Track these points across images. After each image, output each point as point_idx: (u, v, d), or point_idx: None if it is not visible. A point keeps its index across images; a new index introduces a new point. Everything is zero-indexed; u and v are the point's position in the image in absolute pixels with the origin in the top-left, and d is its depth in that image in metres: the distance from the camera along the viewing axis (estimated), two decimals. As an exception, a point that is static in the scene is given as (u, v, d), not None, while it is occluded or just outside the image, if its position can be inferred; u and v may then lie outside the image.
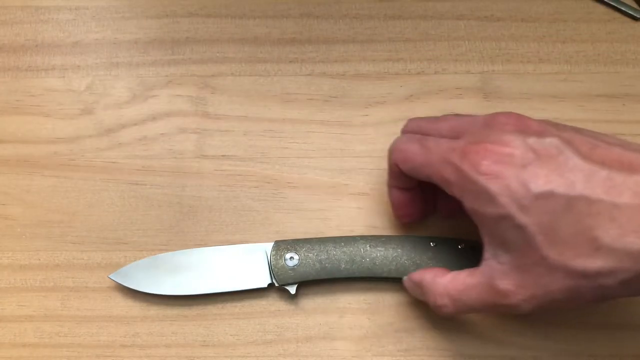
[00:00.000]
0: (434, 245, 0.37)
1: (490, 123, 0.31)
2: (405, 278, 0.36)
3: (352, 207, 0.39)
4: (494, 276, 0.30)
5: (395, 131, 0.41)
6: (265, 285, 0.36)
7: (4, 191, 0.40)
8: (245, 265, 0.37)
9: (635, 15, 0.44)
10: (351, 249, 0.36)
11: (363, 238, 0.37)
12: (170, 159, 0.41)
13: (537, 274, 0.28)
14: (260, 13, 0.44)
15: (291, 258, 0.36)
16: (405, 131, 0.36)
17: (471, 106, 0.41)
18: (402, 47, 0.43)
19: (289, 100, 0.42)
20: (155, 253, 0.37)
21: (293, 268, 0.36)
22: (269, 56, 0.43)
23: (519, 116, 0.30)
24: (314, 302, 0.37)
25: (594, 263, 0.27)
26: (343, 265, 0.36)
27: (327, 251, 0.36)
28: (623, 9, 0.44)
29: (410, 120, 0.36)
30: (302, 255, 0.36)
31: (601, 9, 0.44)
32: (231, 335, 0.37)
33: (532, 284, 0.29)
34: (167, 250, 0.38)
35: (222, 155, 0.41)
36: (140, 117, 0.42)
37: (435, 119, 0.34)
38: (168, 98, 0.42)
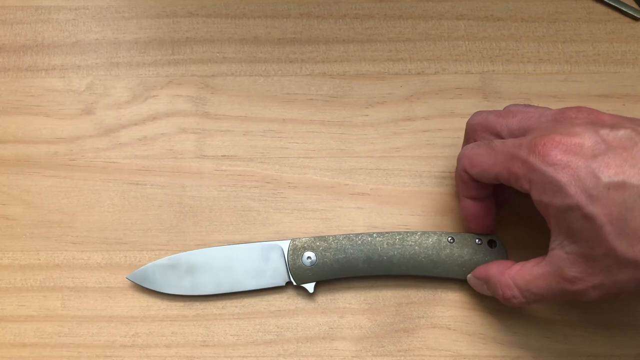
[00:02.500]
0: (452, 242, 0.37)
1: (560, 117, 0.30)
2: (469, 276, 0.36)
3: (352, 207, 0.39)
4: (561, 265, 0.30)
5: (395, 131, 0.41)
6: (283, 284, 0.37)
7: (4, 191, 0.40)
8: (262, 264, 0.37)
9: (635, 15, 0.44)
10: (368, 247, 0.36)
11: (380, 235, 0.37)
12: (170, 159, 0.41)
13: (605, 265, 0.28)
14: (260, 13, 0.44)
15: (308, 257, 0.36)
16: (470, 125, 0.35)
17: (471, 106, 0.41)
18: (402, 47, 0.43)
19: (289, 100, 0.42)
20: (156, 253, 0.37)
21: (311, 267, 0.36)
22: (269, 56, 0.43)
23: (591, 109, 0.30)
24: (314, 302, 0.37)
25: None
26: (360, 264, 0.36)
27: (344, 250, 0.36)
28: (623, 9, 0.44)
29: (477, 113, 0.35)
30: (319, 254, 0.36)
31: (601, 9, 0.44)
32: (231, 335, 0.37)
33: (600, 273, 0.28)
34: (167, 250, 0.38)
35: (222, 155, 0.41)
36: (140, 117, 0.42)
37: (503, 112, 0.34)
38: (168, 98, 0.42)
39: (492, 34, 0.43)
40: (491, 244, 0.37)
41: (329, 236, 0.37)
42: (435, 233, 0.37)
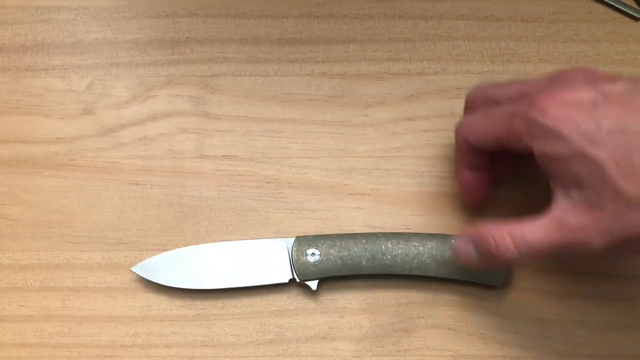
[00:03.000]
0: None
1: (557, 78, 0.31)
2: (455, 241, 0.35)
3: (352, 207, 0.39)
4: (564, 215, 0.29)
5: (395, 131, 0.41)
6: (287, 281, 0.37)
7: (4, 191, 0.40)
8: (266, 260, 0.37)
9: (635, 15, 0.44)
10: (372, 245, 0.36)
11: (385, 235, 0.37)
12: (170, 159, 0.41)
13: (612, 210, 0.28)
14: (260, 13, 0.44)
15: (312, 254, 0.36)
16: (470, 96, 0.36)
17: (471, 106, 0.41)
18: (402, 47, 0.43)
19: (289, 100, 0.42)
20: (156, 253, 0.37)
21: (314, 264, 0.36)
22: (269, 56, 0.43)
23: (588, 69, 0.31)
24: (314, 302, 0.37)
25: None
26: (364, 262, 0.36)
27: (348, 248, 0.36)
28: (623, 9, 0.44)
29: (475, 87, 0.36)
30: (324, 251, 0.36)
31: (601, 9, 0.44)
32: (231, 335, 0.37)
33: (607, 218, 0.28)
34: (167, 250, 0.38)
35: (222, 155, 0.41)
36: (140, 117, 0.42)
37: (502, 83, 0.35)
38: (168, 98, 0.42)
39: (492, 34, 0.43)
40: None
41: (333, 234, 0.37)
42: (439, 235, 0.37)
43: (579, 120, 0.28)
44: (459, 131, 0.35)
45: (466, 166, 0.36)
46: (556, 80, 0.31)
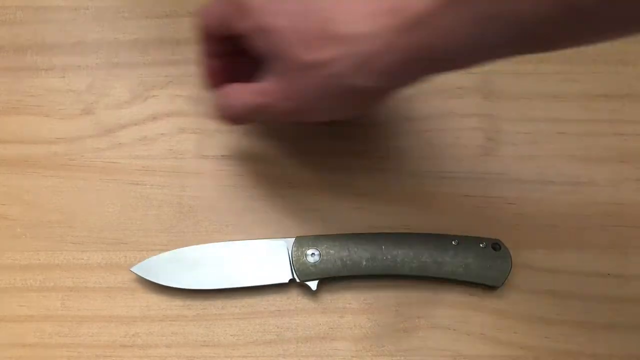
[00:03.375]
0: (456, 244, 0.37)
1: None
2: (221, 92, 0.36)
3: (352, 207, 0.39)
4: (262, 83, 0.33)
5: (395, 131, 0.41)
6: (287, 281, 0.37)
7: (4, 191, 0.40)
8: (266, 260, 0.37)
9: (635, 15, 0.44)
10: (372, 246, 0.36)
11: (384, 235, 0.37)
12: (170, 159, 0.41)
13: (290, 76, 0.31)
14: (260, 13, 0.44)
15: (312, 254, 0.36)
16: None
17: (471, 106, 0.41)
18: (402, 47, 0.43)
19: (289, 100, 0.42)
20: (155, 253, 0.37)
21: (314, 264, 0.36)
22: (269, 56, 0.43)
23: None
24: (314, 302, 0.37)
25: (324, 53, 0.29)
26: (364, 262, 0.36)
27: (348, 248, 0.36)
28: (623, 8, 0.44)
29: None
30: (324, 251, 0.36)
31: (601, 9, 0.44)
32: (231, 336, 0.37)
33: (287, 82, 0.31)
34: (167, 251, 0.38)
35: (222, 155, 0.41)
36: (140, 117, 0.42)
37: None
38: (168, 98, 0.42)
39: (492, 34, 0.43)
40: (495, 246, 0.37)
41: (333, 234, 0.37)
42: (439, 234, 0.37)
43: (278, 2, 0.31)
44: (202, 16, 0.35)
45: (209, 54, 0.37)
46: None
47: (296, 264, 0.36)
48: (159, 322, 0.37)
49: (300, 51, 0.30)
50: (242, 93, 0.34)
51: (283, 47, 0.30)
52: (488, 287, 0.37)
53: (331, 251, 0.36)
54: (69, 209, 0.39)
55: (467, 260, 0.37)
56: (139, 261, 0.37)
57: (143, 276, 0.37)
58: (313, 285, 0.37)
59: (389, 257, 0.36)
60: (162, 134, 0.41)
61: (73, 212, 0.39)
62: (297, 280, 0.37)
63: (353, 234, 0.37)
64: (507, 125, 0.41)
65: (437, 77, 0.42)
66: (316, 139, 0.41)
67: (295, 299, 0.37)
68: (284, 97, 0.32)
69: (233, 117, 0.35)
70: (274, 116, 0.34)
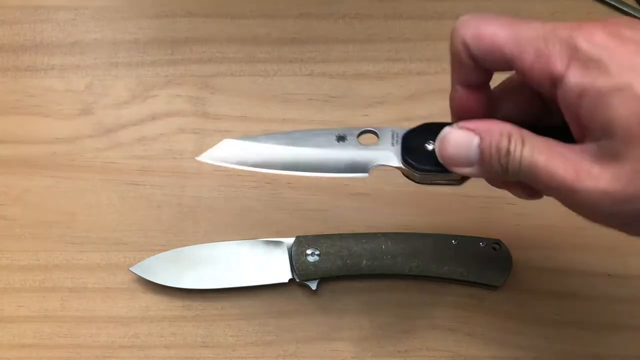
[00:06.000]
0: (456, 244, 0.37)
1: (601, 20, 0.25)
2: (449, 129, 0.27)
3: (352, 207, 0.39)
4: (584, 156, 0.24)
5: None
6: (286, 281, 0.37)
7: (3, 191, 0.40)
8: (266, 260, 0.37)
9: (635, 15, 0.44)
10: (373, 245, 0.36)
11: (385, 235, 0.37)
12: (170, 159, 0.40)
13: (635, 168, 0.23)
14: (260, 13, 0.44)
15: (312, 254, 0.36)
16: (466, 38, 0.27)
17: (471, 106, 0.41)
18: (402, 47, 0.43)
19: (289, 100, 0.42)
20: (155, 254, 0.37)
21: (314, 264, 0.36)
22: (269, 56, 0.43)
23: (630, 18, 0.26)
24: (314, 303, 0.37)
25: None
26: (364, 262, 0.36)
27: (348, 248, 0.36)
28: (623, 8, 0.44)
29: (470, 19, 0.27)
30: (324, 251, 0.36)
31: (601, 8, 0.44)
32: (231, 336, 0.37)
33: (627, 176, 0.23)
34: (166, 251, 0.38)
35: (222, 156, 0.40)
36: (140, 117, 0.41)
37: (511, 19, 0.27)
38: (167, 98, 0.42)
39: (492, 33, 0.43)
40: (495, 246, 0.37)
41: (333, 234, 0.37)
42: (439, 234, 0.37)
43: (629, 52, 0.23)
44: (459, 31, 0.26)
45: (461, 83, 0.28)
46: (599, 20, 0.25)
47: (296, 264, 0.36)
48: (158, 323, 0.37)
49: None
50: (546, 151, 0.25)
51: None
52: (488, 287, 0.37)
53: (331, 251, 0.36)
54: (68, 209, 0.39)
55: (467, 260, 0.36)
56: (138, 262, 0.37)
57: (142, 276, 0.37)
58: (313, 285, 0.36)
59: (389, 257, 0.36)
60: (161, 134, 0.41)
61: (72, 212, 0.39)
62: (297, 280, 0.36)
63: (353, 234, 0.37)
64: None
65: (437, 77, 0.42)
66: (316, 139, 0.41)
67: (295, 299, 0.37)
68: (607, 190, 0.23)
69: (520, 174, 0.25)
70: (583, 209, 0.25)
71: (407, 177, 0.30)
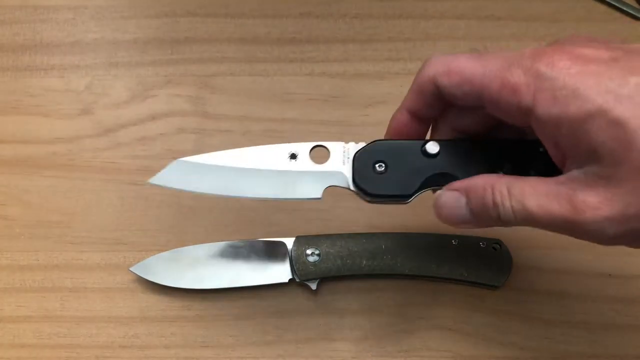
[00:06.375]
0: (456, 244, 0.37)
1: (559, 41, 0.26)
2: (440, 192, 0.28)
3: (352, 207, 0.39)
4: (574, 187, 0.23)
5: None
6: (286, 281, 0.37)
7: (3, 191, 0.40)
8: (266, 260, 0.37)
9: (635, 14, 0.44)
10: (373, 245, 0.36)
11: (385, 235, 0.37)
12: (170, 159, 0.40)
13: (631, 187, 0.22)
14: (259, 13, 0.44)
15: (312, 254, 0.36)
16: (430, 76, 0.28)
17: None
18: (402, 47, 0.43)
19: (289, 100, 0.42)
20: (155, 254, 0.37)
21: (314, 264, 0.36)
22: (269, 56, 0.43)
23: (589, 35, 0.26)
24: (314, 303, 0.37)
25: None
26: (364, 262, 0.36)
27: (348, 247, 0.36)
28: (624, 8, 0.44)
29: (433, 59, 0.28)
30: (324, 251, 0.36)
31: (601, 8, 0.44)
32: (231, 336, 0.37)
33: (623, 198, 0.22)
34: (166, 251, 0.38)
35: (222, 155, 0.40)
36: (140, 117, 0.41)
37: (476, 55, 0.28)
38: (167, 98, 0.42)
39: (493, 33, 0.43)
40: (495, 246, 0.37)
41: (333, 234, 0.37)
42: (439, 234, 0.37)
43: (599, 74, 0.22)
44: (428, 66, 0.27)
45: (411, 110, 0.29)
46: (559, 42, 0.25)
47: (296, 264, 0.36)
48: (158, 323, 0.37)
49: None
50: (533, 192, 0.25)
51: (625, 144, 0.22)
52: (488, 287, 0.37)
53: (331, 251, 0.36)
54: (68, 209, 0.39)
55: (467, 260, 0.36)
56: (138, 261, 0.37)
57: (142, 276, 0.37)
58: (313, 285, 0.36)
59: (389, 257, 0.36)
60: (161, 133, 0.41)
61: (72, 212, 0.39)
62: (297, 280, 0.36)
63: (353, 234, 0.37)
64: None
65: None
66: (316, 138, 0.41)
67: (295, 299, 0.37)
68: (610, 216, 0.23)
69: (513, 221, 0.26)
70: (575, 235, 0.25)
71: (357, 196, 0.30)
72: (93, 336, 0.37)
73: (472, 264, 0.36)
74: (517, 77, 0.24)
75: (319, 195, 0.31)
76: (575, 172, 0.24)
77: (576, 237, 0.25)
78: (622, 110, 0.22)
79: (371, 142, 0.30)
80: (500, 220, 0.26)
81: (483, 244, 0.37)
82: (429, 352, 0.36)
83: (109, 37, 0.44)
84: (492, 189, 0.26)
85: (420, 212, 0.39)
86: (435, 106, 0.28)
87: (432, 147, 0.28)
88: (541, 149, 0.27)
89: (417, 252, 0.36)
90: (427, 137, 0.31)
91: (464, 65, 0.26)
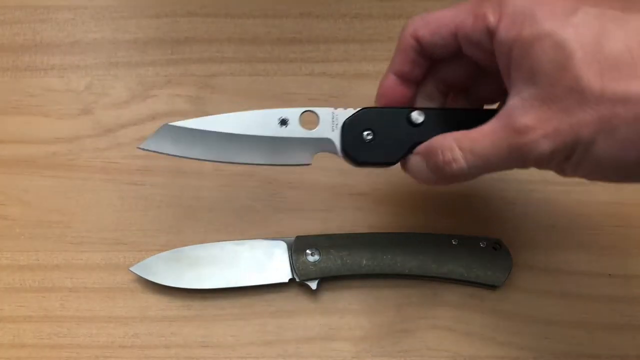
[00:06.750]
0: (456, 243, 0.37)
1: None
2: (410, 156, 0.30)
3: (352, 207, 0.39)
4: (513, 114, 0.26)
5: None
6: (286, 280, 0.37)
7: (3, 191, 0.40)
8: (266, 260, 0.37)
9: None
10: (373, 245, 0.36)
11: (385, 235, 0.37)
12: (170, 159, 0.40)
13: (565, 105, 0.24)
14: (259, 13, 0.44)
15: (312, 253, 0.36)
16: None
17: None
18: (402, 47, 0.43)
19: (289, 100, 0.42)
20: (155, 254, 0.37)
21: (314, 263, 0.36)
22: (269, 56, 0.43)
23: None
24: (314, 303, 0.37)
25: (634, 86, 0.23)
26: (364, 262, 0.36)
27: (348, 247, 0.36)
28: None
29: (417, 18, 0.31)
30: (324, 250, 0.36)
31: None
32: (231, 336, 0.37)
33: (557, 116, 0.24)
34: (166, 251, 0.38)
35: (222, 155, 0.40)
36: (140, 117, 0.41)
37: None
38: (167, 98, 0.42)
39: (492, 33, 0.43)
40: (495, 246, 0.37)
41: (333, 234, 0.37)
42: (439, 235, 0.37)
43: (554, 4, 0.25)
44: (407, 25, 0.30)
45: (398, 72, 0.31)
46: None
47: (296, 264, 0.36)
48: (158, 323, 0.37)
49: (589, 74, 0.24)
50: (479, 136, 0.27)
51: (563, 63, 0.24)
52: (488, 287, 0.37)
53: (331, 251, 0.36)
54: (68, 209, 0.39)
55: (467, 260, 0.36)
56: (138, 261, 0.37)
57: (142, 275, 0.37)
58: (313, 285, 0.36)
59: (389, 257, 0.36)
60: (161, 133, 0.41)
61: (72, 212, 0.39)
62: (297, 279, 0.36)
63: (353, 234, 0.37)
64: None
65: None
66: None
67: (295, 299, 0.37)
68: (547, 132, 0.25)
69: (469, 172, 0.28)
70: (526, 160, 0.26)
71: (345, 160, 0.32)
72: (93, 336, 0.37)
73: (472, 264, 0.36)
74: (486, 7, 0.27)
75: (309, 162, 0.32)
76: (514, 100, 0.26)
77: (526, 165, 0.27)
78: (566, 35, 0.24)
79: (359, 110, 0.31)
80: (456, 175, 0.28)
81: (483, 244, 0.37)
82: (428, 352, 0.36)
83: (109, 37, 0.44)
84: (442, 149, 0.28)
85: (420, 212, 0.39)
86: (419, 64, 0.30)
87: (417, 117, 0.30)
88: None
89: (417, 252, 0.36)
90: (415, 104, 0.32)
91: (440, 14, 0.29)
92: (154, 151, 0.33)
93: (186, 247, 0.37)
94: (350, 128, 0.31)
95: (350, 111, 0.31)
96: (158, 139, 0.32)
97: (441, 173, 0.28)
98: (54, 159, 0.40)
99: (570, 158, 0.25)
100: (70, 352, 0.36)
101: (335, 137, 0.31)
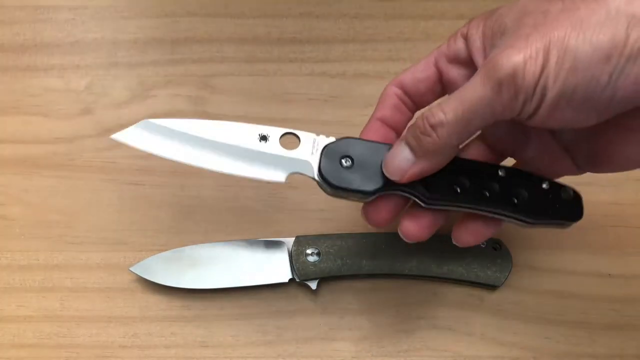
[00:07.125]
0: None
1: None
2: (385, 155, 0.30)
3: (352, 207, 0.39)
4: (491, 61, 0.25)
5: (395, 131, 0.41)
6: (286, 280, 0.37)
7: (3, 191, 0.40)
8: (266, 260, 0.37)
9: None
10: (373, 245, 0.36)
11: (385, 235, 0.37)
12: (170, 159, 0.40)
13: (527, 34, 0.25)
14: (259, 13, 0.44)
15: (312, 253, 0.36)
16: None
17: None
18: (402, 47, 0.43)
19: (289, 100, 0.42)
20: (154, 254, 0.37)
21: (314, 263, 0.36)
22: (269, 56, 0.43)
23: None
24: (314, 303, 0.37)
25: None
26: (364, 262, 0.36)
27: (348, 247, 0.36)
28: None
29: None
30: (324, 251, 0.36)
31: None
32: (231, 336, 0.37)
33: (527, 44, 0.24)
34: (166, 251, 0.38)
35: (222, 155, 0.40)
36: (140, 117, 0.41)
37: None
38: (167, 98, 0.42)
39: (492, 33, 0.43)
40: (495, 246, 0.37)
41: (333, 234, 0.37)
42: (439, 235, 0.37)
43: (520, 6, 0.27)
44: (391, 81, 0.31)
45: (382, 119, 0.32)
46: None
47: (296, 264, 0.36)
48: (158, 323, 0.37)
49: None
50: (464, 89, 0.26)
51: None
52: (488, 287, 0.37)
53: (331, 251, 0.36)
54: (68, 209, 0.39)
55: (467, 260, 0.36)
56: (138, 261, 0.37)
57: (142, 275, 0.37)
58: (313, 285, 0.36)
59: (388, 257, 0.36)
60: (161, 133, 0.41)
61: (72, 212, 0.39)
62: (297, 280, 0.36)
63: (353, 233, 0.37)
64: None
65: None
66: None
67: (295, 299, 0.37)
68: (534, 54, 0.24)
69: (451, 131, 0.27)
70: (512, 103, 0.25)
71: (320, 187, 0.31)
72: (93, 336, 0.37)
73: (472, 264, 0.36)
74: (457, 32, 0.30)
75: (282, 180, 0.31)
76: (490, 53, 0.27)
77: (509, 108, 0.26)
78: (533, 5, 0.26)
79: (341, 138, 0.31)
80: (442, 139, 0.27)
81: (483, 244, 0.37)
82: (428, 352, 0.36)
83: (109, 37, 0.44)
84: (424, 114, 0.27)
85: (420, 212, 0.39)
86: (401, 110, 0.31)
87: None
88: (500, 173, 0.30)
89: (417, 252, 0.36)
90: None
91: (419, 63, 0.32)
92: (125, 143, 0.32)
93: (186, 247, 0.37)
94: (329, 153, 0.30)
95: (332, 139, 0.31)
96: (135, 133, 0.32)
97: (424, 142, 0.27)
98: (54, 158, 0.40)
99: (545, 68, 0.24)
100: (70, 352, 0.36)
101: (314, 160, 0.31)
